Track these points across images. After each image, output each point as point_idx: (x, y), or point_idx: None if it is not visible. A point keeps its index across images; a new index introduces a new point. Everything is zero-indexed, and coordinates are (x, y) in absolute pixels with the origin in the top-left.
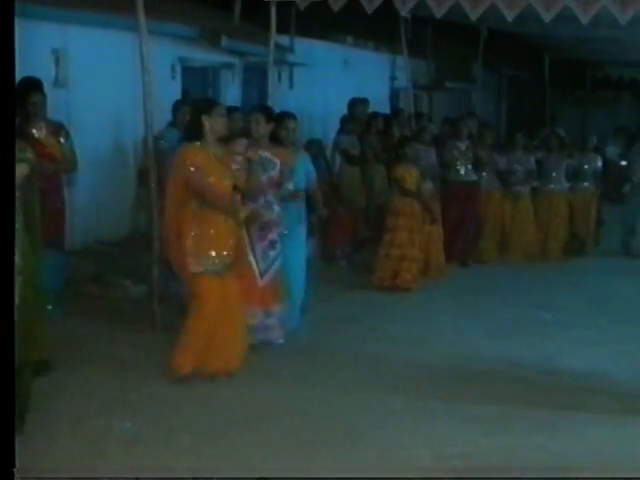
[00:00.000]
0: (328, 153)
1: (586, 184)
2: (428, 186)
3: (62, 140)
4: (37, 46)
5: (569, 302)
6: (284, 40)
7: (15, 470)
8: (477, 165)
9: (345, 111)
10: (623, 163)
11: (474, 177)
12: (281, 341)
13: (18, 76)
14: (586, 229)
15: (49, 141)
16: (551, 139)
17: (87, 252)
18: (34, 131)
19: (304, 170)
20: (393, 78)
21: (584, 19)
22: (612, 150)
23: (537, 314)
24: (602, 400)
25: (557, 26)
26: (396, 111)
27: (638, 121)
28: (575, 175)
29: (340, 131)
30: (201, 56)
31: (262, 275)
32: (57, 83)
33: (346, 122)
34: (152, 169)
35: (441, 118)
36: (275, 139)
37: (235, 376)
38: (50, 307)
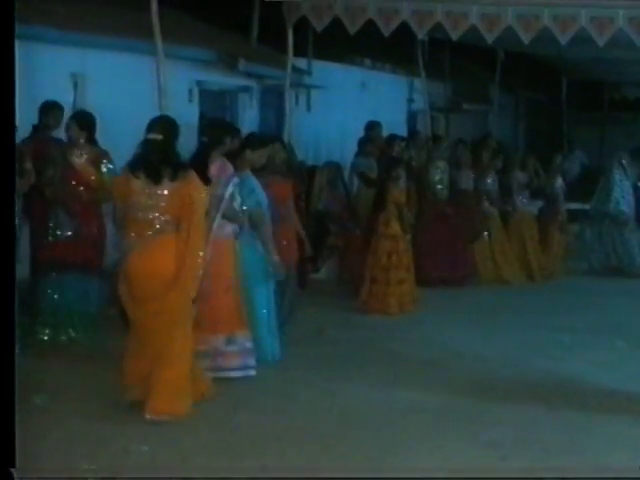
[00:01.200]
0: (346, 176)
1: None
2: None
3: (103, 168)
4: (56, 70)
5: (585, 324)
6: (301, 63)
7: (15, 470)
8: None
9: (362, 134)
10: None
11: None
12: (254, 373)
13: (38, 100)
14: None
15: (87, 169)
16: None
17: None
18: (74, 158)
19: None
20: (410, 100)
21: (600, 41)
22: (630, 171)
23: (555, 336)
24: (622, 423)
25: (574, 47)
26: (413, 133)
27: None
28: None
29: (358, 154)
30: (218, 79)
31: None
32: (75, 107)
33: (363, 145)
34: None
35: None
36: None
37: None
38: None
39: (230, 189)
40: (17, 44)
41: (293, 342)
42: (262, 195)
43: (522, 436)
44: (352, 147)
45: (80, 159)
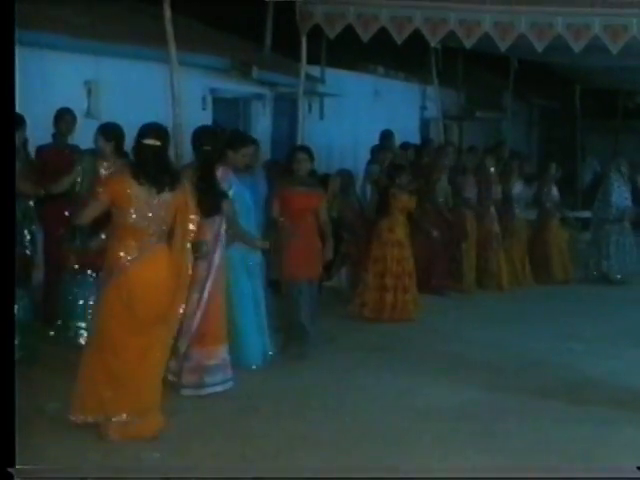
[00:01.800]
0: (359, 184)
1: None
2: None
3: None
4: (69, 78)
5: (597, 332)
6: (315, 71)
7: (14, 470)
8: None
9: (376, 141)
10: None
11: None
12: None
13: (51, 107)
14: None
15: None
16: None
17: None
18: (101, 169)
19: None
20: (423, 108)
21: (614, 49)
22: None
23: (567, 345)
24: (635, 432)
25: (587, 56)
26: (426, 141)
27: None
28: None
29: (371, 161)
30: (232, 87)
31: None
32: (89, 114)
33: (377, 152)
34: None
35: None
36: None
37: None
38: None
39: (231, 193)
40: (30, 52)
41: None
42: (243, 192)
43: (535, 443)
44: (365, 155)
45: (107, 171)
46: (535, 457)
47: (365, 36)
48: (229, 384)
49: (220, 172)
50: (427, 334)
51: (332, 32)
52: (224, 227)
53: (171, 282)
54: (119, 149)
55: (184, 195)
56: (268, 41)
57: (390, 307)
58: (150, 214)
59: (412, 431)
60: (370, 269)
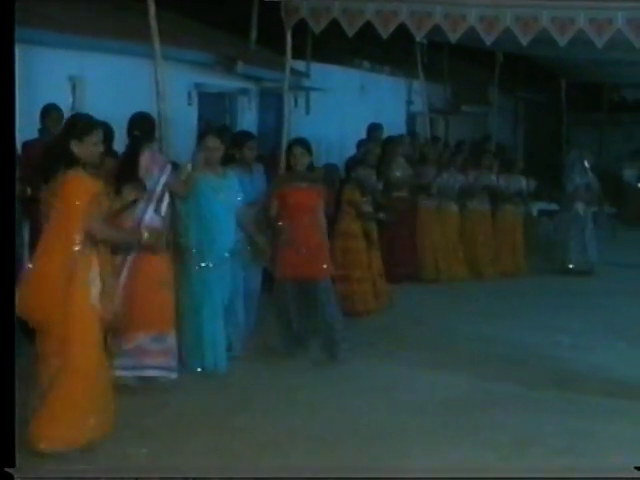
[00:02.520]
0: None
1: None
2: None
3: None
4: (54, 73)
5: (584, 325)
6: (300, 65)
7: (14, 470)
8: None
9: (362, 136)
10: None
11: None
12: (175, 376)
13: (36, 104)
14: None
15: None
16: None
17: None
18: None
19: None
20: (409, 102)
21: (599, 42)
22: (629, 173)
23: (554, 338)
24: (622, 425)
25: (572, 49)
26: (411, 135)
27: None
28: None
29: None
30: (217, 82)
31: None
32: (74, 110)
33: (363, 146)
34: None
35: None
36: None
37: None
38: None
39: (164, 179)
40: (16, 47)
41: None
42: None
43: (522, 437)
44: (351, 149)
45: (97, 171)
46: (522, 450)
47: (350, 30)
48: (170, 374)
49: (147, 158)
50: (413, 327)
51: (317, 27)
52: (150, 215)
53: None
54: (109, 148)
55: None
56: (253, 36)
57: (347, 300)
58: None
59: (399, 425)
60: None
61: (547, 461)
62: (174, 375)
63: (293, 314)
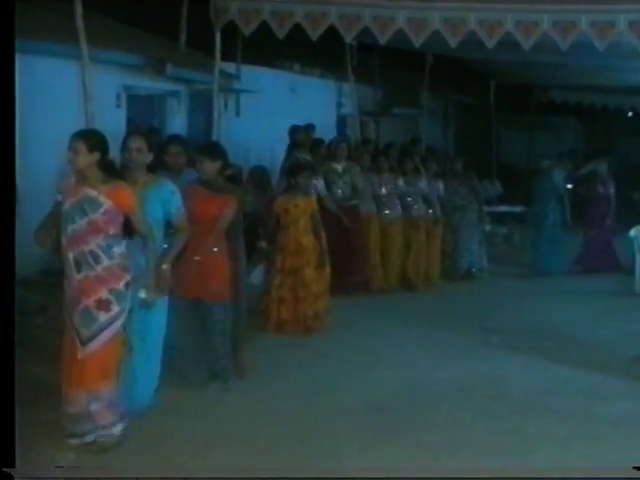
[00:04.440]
0: (275, 180)
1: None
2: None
3: None
4: None
5: (514, 325)
6: (230, 68)
7: (14, 470)
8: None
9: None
10: (569, 187)
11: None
12: (119, 429)
13: None
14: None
15: None
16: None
17: (33, 283)
18: None
19: (160, 202)
20: (340, 105)
21: (526, 45)
22: (558, 174)
23: (485, 338)
24: (549, 424)
25: (501, 51)
26: (343, 136)
27: (583, 145)
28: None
29: (288, 158)
30: (146, 84)
31: (83, 344)
32: None
33: (294, 148)
34: None
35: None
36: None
37: None
38: None
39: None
40: None
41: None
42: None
43: (452, 437)
44: (282, 151)
45: None
46: (454, 450)
47: (280, 33)
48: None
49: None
50: (344, 329)
51: (247, 29)
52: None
53: None
54: None
55: None
56: (183, 38)
57: (290, 319)
58: None
59: (331, 428)
60: (270, 280)
61: (476, 460)
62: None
63: (180, 338)
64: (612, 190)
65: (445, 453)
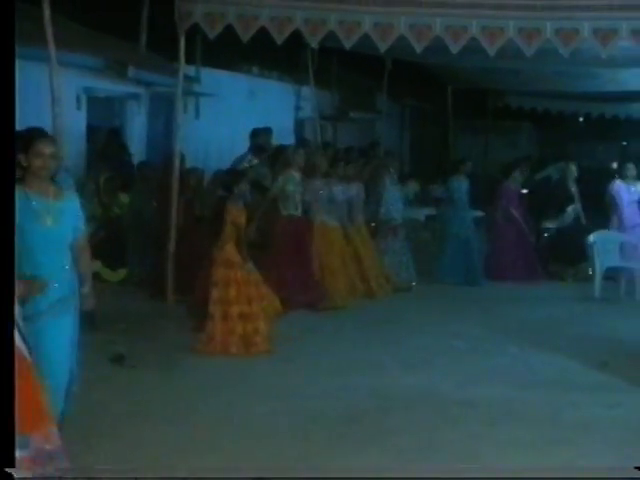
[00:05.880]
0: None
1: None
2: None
3: None
4: None
5: (480, 330)
6: (190, 70)
7: (14, 470)
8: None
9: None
10: (524, 192)
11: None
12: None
13: None
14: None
15: None
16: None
17: None
18: None
19: (74, 217)
20: (298, 108)
21: (491, 51)
22: (514, 179)
23: (450, 343)
24: (515, 429)
25: (463, 57)
26: (301, 141)
27: (537, 150)
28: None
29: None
30: (107, 86)
31: None
32: None
33: (258, 152)
34: None
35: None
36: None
37: None
38: None
39: None
40: None
41: None
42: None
43: (422, 442)
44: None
45: None
46: (423, 455)
47: (245, 36)
48: None
49: None
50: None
51: (212, 32)
52: None
53: None
54: None
55: None
56: (143, 40)
57: (238, 339)
58: None
59: (302, 433)
60: (212, 296)
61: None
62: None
63: None
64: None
65: (415, 458)
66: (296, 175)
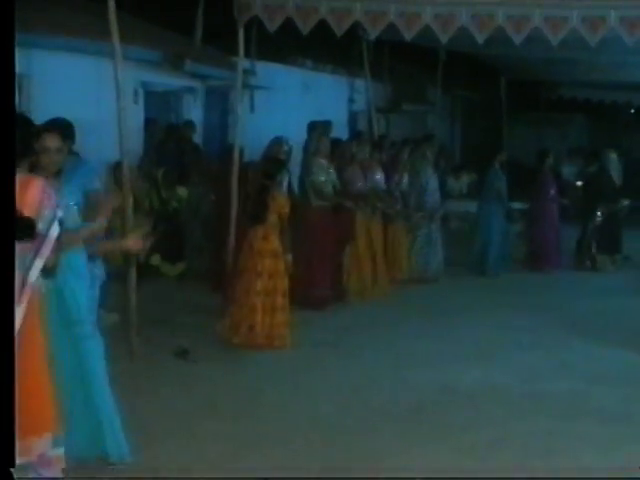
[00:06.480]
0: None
1: None
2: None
3: None
4: None
5: (537, 323)
6: (245, 63)
7: (14, 470)
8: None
9: (305, 135)
10: (579, 184)
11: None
12: None
13: None
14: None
15: None
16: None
17: None
18: None
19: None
20: (351, 101)
21: (554, 41)
22: (567, 170)
23: (513, 336)
24: (587, 424)
25: (523, 47)
26: (357, 134)
27: (591, 142)
28: None
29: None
30: (163, 80)
31: None
32: (21, 109)
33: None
34: (127, 193)
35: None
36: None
37: None
38: None
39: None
40: None
41: None
42: None
43: (495, 439)
44: (295, 147)
45: None
46: (494, 450)
47: (305, 29)
48: None
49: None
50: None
51: (272, 25)
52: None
53: None
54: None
55: None
56: (199, 34)
57: (261, 331)
58: None
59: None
60: (238, 284)
61: (519, 460)
62: None
63: None
64: None
65: (485, 454)
66: (324, 163)
